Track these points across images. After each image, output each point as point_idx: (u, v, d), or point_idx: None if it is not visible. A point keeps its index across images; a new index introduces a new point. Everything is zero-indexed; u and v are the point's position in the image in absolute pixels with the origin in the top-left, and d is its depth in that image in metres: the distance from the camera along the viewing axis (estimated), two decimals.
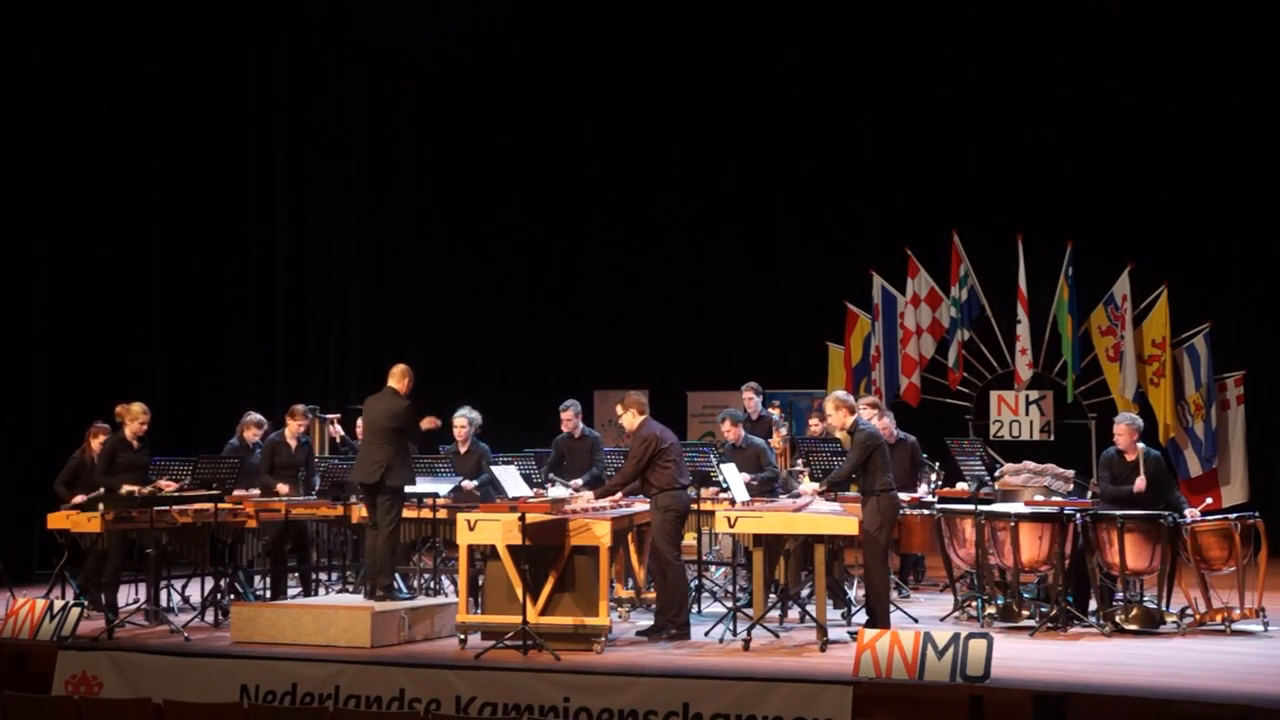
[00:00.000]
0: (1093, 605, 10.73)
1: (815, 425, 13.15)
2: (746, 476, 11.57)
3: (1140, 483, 10.74)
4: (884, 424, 12.06)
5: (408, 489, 10.80)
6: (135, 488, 10.92)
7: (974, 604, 11.10)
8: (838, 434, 10.93)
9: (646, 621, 10.62)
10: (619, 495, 10.52)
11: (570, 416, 12.67)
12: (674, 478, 10.26)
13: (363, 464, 10.66)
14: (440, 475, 11.78)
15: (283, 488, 11.91)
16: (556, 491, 11.14)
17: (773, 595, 10.64)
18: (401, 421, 10.59)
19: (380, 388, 10.91)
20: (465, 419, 12.30)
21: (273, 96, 17.31)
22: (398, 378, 10.80)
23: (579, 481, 12.03)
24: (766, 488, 11.85)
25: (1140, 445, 10.89)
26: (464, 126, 18.79)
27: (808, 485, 10.81)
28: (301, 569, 12.12)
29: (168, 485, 10.98)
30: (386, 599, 10.42)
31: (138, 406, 11.32)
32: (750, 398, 13.31)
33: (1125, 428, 10.91)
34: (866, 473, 10.12)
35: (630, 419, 10.43)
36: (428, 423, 10.92)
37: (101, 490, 11.13)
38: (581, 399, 13.06)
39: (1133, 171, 16.53)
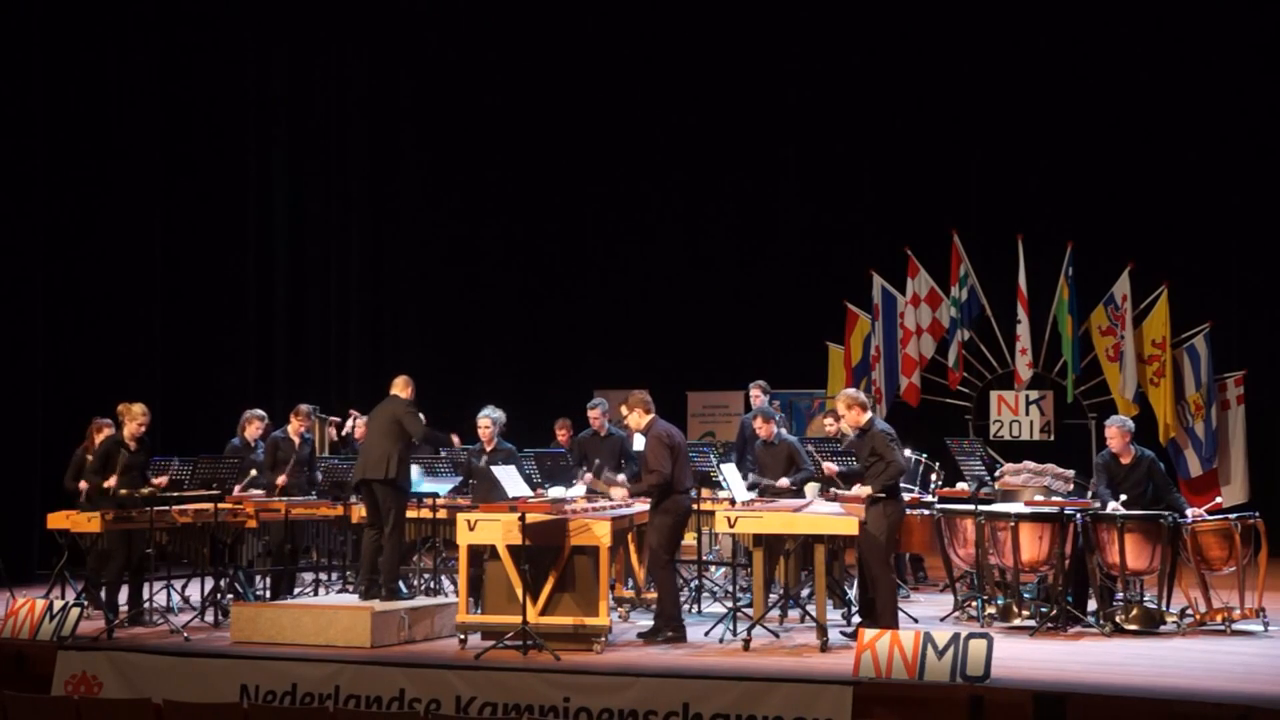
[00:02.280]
0: (1092, 605, 10.73)
1: (830, 427, 12.89)
2: (784, 481, 11.62)
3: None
4: None
5: (412, 489, 10.88)
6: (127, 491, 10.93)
7: (974, 604, 11.09)
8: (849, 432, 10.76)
9: (646, 622, 10.60)
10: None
11: (598, 414, 12.48)
12: (676, 482, 10.22)
13: (365, 461, 10.76)
14: (440, 475, 11.76)
15: (281, 480, 11.90)
16: (556, 491, 11.12)
17: (776, 595, 10.63)
18: (400, 416, 10.66)
19: (381, 394, 11.08)
20: (489, 419, 11.99)
21: (273, 96, 17.30)
22: (400, 386, 10.93)
23: (622, 477, 11.85)
24: (801, 488, 11.73)
25: (1133, 447, 10.89)
26: (464, 127, 18.77)
27: (813, 488, 10.82)
28: (290, 569, 12.12)
29: (161, 481, 10.99)
30: (390, 599, 10.44)
31: (138, 407, 11.27)
32: (758, 395, 13.23)
33: (1117, 430, 10.88)
34: (875, 475, 10.04)
35: (637, 418, 10.39)
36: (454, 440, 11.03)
37: (93, 487, 11.14)
38: (581, 399, 13.01)
39: (1133, 171, 16.52)
